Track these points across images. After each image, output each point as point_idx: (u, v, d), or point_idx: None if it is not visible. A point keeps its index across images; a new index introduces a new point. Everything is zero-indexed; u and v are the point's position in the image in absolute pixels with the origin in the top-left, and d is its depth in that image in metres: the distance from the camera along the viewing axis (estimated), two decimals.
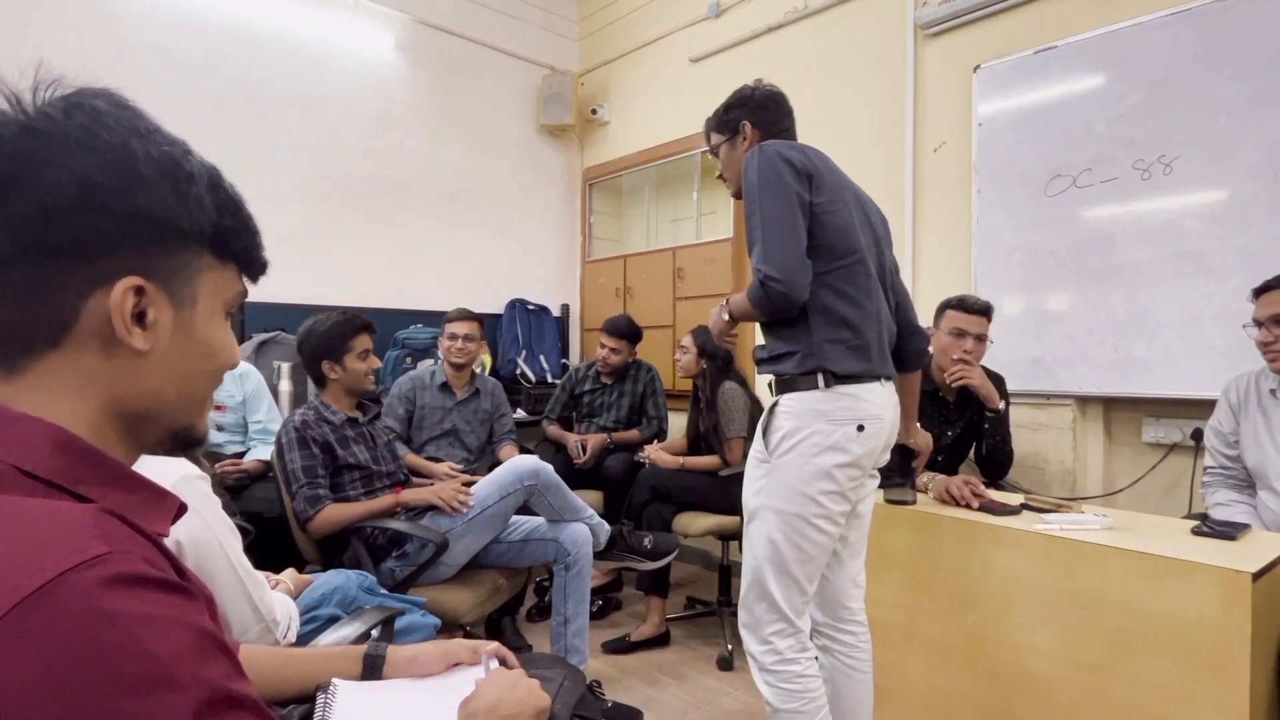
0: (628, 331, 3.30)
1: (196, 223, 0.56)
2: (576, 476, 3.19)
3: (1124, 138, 2.36)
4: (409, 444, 2.93)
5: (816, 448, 1.45)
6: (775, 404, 1.52)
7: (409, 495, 2.12)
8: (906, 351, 1.69)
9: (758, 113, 1.66)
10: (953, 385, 2.21)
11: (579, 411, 3.47)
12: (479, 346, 3.02)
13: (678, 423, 3.78)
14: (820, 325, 1.48)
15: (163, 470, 1.08)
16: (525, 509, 2.24)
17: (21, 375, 0.52)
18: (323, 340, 2.11)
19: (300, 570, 1.60)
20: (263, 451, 2.60)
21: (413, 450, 2.91)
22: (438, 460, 2.88)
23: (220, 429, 2.65)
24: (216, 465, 2.42)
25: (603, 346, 3.31)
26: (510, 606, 2.79)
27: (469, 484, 2.20)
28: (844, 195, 1.55)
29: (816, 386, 1.46)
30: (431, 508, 2.11)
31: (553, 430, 3.44)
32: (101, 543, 0.44)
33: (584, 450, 3.19)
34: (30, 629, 0.40)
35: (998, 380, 2.30)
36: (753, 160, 1.50)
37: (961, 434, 2.32)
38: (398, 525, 2.03)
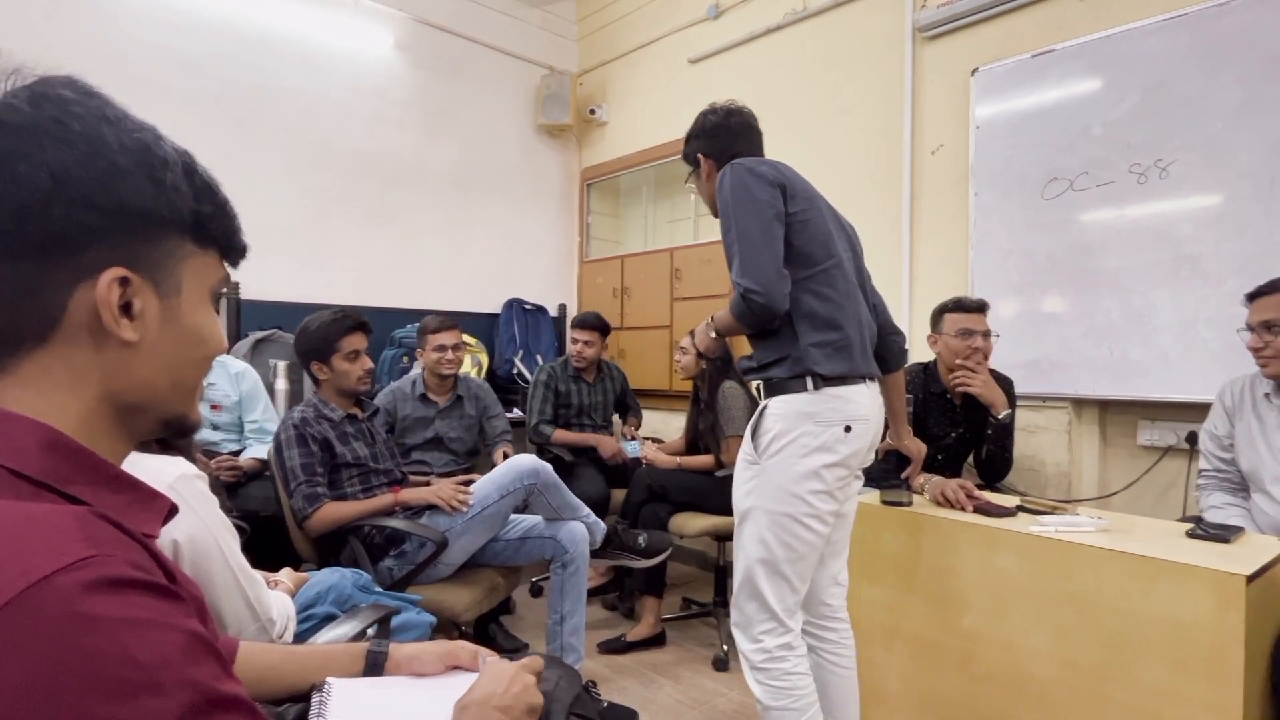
0: (598, 324, 3.33)
1: (175, 210, 0.55)
2: (608, 476, 3.19)
3: (1121, 141, 2.37)
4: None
5: (805, 449, 1.48)
6: (764, 407, 1.55)
7: (408, 494, 2.11)
8: (889, 350, 1.73)
9: (709, 142, 1.71)
10: (958, 391, 2.23)
11: (565, 412, 3.38)
12: (465, 351, 2.99)
13: (676, 423, 3.78)
14: (805, 330, 1.51)
15: (160, 469, 1.07)
16: (521, 507, 2.24)
17: (10, 374, 0.51)
18: (311, 340, 2.09)
19: (295, 569, 1.60)
20: (259, 450, 2.60)
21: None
22: (425, 464, 2.87)
23: (216, 428, 2.64)
24: (213, 461, 2.41)
25: (575, 341, 3.32)
26: (498, 610, 2.78)
27: (466, 483, 2.20)
28: (816, 203, 1.60)
29: (805, 389, 1.49)
30: (430, 507, 2.11)
31: (562, 435, 3.26)
32: (86, 546, 0.43)
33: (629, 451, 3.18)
34: (11, 633, 0.40)
35: (1007, 384, 2.31)
36: (725, 178, 1.55)
37: (964, 435, 2.33)
38: (397, 524, 2.03)
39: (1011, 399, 2.29)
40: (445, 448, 2.95)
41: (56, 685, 0.40)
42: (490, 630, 2.77)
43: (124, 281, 0.52)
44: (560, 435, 3.28)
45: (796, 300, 1.51)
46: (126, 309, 0.53)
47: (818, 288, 1.52)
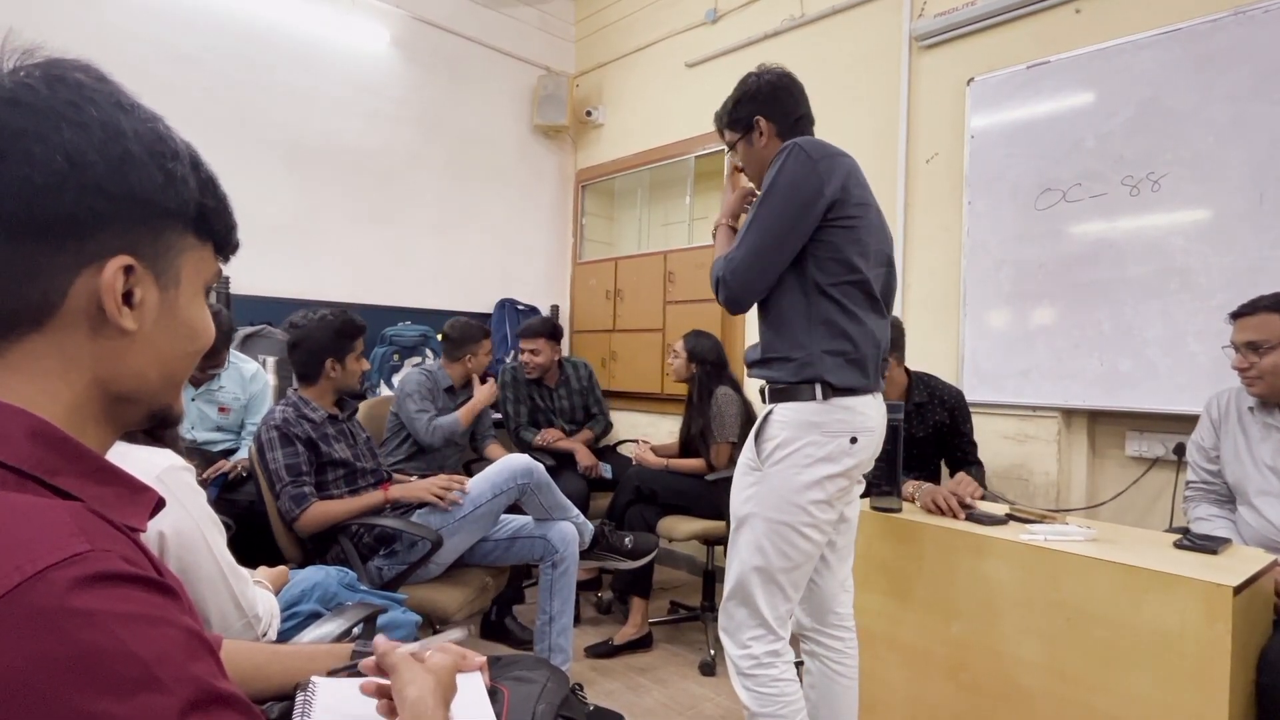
0: (543, 330, 3.26)
1: (182, 202, 0.55)
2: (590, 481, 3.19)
3: (1113, 154, 2.39)
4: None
5: (809, 459, 1.46)
6: (770, 413, 1.52)
7: (399, 491, 2.10)
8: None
9: (768, 105, 1.59)
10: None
11: (536, 416, 3.36)
12: None
13: (667, 425, 3.78)
14: (821, 335, 1.47)
15: (148, 461, 1.06)
16: (512, 507, 2.23)
17: (1, 358, 0.50)
18: (333, 336, 2.11)
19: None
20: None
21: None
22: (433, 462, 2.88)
23: (220, 429, 2.63)
24: (212, 466, 2.41)
25: (522, 350, 3.27)
26: (507, 604, 2.79)
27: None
28: (869, 213, 1.53)
29: (813, 398, 1.46)
30: (419, 506, 2.09)
31: (545, 439, 3.25)
32: (81, 540, 0.43)
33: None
34: (4, 629, 0.39)
35: (956, 395, 2.35)
36: (788, 161, 1.45)
37: (930, 435, 2.34)
38: (390, 523, 2.01)
39: (964, 410, 2.33)
40: (455, 442, 2.97)
41: (52, 682, 0.39)
42: (506, 624, 2.79)
43: (128, 270, 0.52)
44: (541, 442, 3.26)
45: (818, 305, 1.46)
46: (127, 298, 0.52)
47: (841, 299, 1.47)
